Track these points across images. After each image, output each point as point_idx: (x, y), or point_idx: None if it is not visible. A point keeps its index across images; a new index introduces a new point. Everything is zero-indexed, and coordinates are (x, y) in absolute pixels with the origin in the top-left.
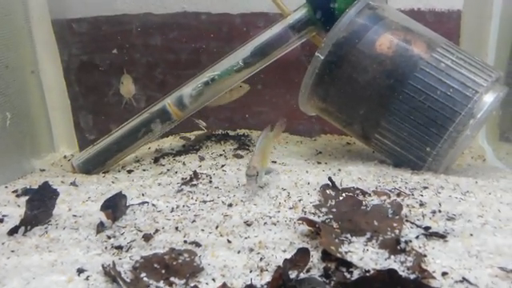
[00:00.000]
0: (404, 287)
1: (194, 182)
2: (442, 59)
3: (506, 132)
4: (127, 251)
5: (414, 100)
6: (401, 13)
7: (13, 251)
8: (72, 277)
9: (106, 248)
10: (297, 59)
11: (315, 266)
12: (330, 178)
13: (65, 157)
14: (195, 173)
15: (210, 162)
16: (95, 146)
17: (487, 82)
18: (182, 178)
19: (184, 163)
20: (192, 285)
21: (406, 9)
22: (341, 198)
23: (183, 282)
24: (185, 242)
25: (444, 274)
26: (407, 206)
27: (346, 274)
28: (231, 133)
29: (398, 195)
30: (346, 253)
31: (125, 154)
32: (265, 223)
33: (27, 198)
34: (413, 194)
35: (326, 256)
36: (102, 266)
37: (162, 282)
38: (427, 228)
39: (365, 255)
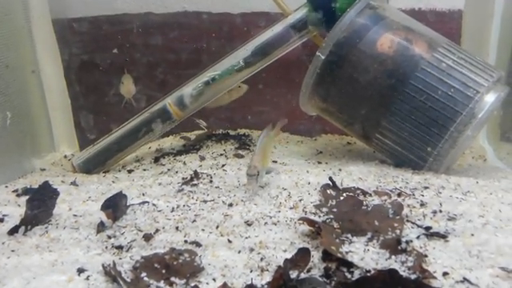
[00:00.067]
0: (405, 287)
1: (195, 182)
2: (444, 59)
3: (507, 132)
4: (127, 251)
5: (415, 100)
6: (402, 12)
7: (13, 251)
8: (72, 276)
9: (106, 248)
10: (298, 59)
11: (316, 265)
12: (330, 178)
13: (65, 156)
14: (196, 172)
15: (211, 162)
16: (95, 146)
17: (488, 82)
18: (183, 178)
19: (184, 163)
20: (192, 285)
21: (406, 8)
22: (341, 198)
23: (184, 281)
24: (185, 241)
25: (445, 274)
26: (408, 206)
27: (346, 274)
28: (232, 132)
29: (399, 195)
30: (347, 253)
31: (125, 154)
32: (265, 223)
33: (27, 197)
34: (414, 194)
35: (327, 256)
36: (103, 265)
37: (162, 281)
38: (428, 228)
39: (365, 255)
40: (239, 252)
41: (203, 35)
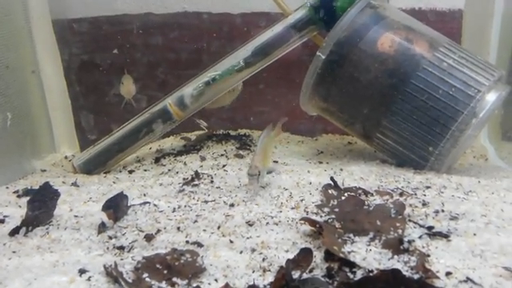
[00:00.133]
0: (408, 287)
1: (196, 182)
2: (445, 58)
3: (509, 131)
4: (129, 251)
5: (417, 99)
6: (402, 12)
7: (14, 252)
8: (74, 277)
9: (107, 248)
10: (298, 59)
11: (318, 266)
12: (332, 178)
13: (66, 157)
14: (196, 173)
15: (212, 162)
16: (96, 146)
17: (489, 81)
18: (184, 178)
19: (185, 163)
20: (194, 285)
21: (407, 8)
22: (343, 198)
23: (185, 282)
24: (187, 242)
25: (448, 273)
26: (410, 205)
27: (349, 274)
28: (232, 133)
29: (401, 195)
30: (349, 253)
31: (126, 155)
32: (267, 223)
33: (28, 198)
34: (415, 194)
35: (329, 256)
36: (104, 266)
37: (164, 282)
38: (430, 228)
39: (368, 255)
40: (241, 252)
41: (203, 35)
